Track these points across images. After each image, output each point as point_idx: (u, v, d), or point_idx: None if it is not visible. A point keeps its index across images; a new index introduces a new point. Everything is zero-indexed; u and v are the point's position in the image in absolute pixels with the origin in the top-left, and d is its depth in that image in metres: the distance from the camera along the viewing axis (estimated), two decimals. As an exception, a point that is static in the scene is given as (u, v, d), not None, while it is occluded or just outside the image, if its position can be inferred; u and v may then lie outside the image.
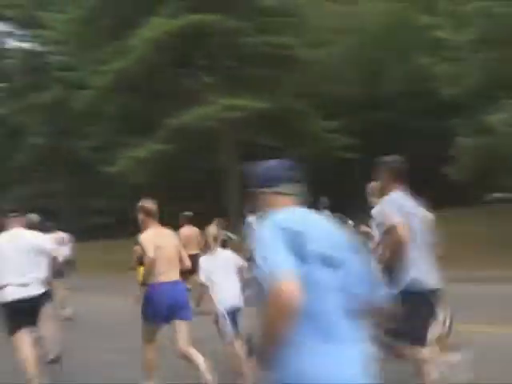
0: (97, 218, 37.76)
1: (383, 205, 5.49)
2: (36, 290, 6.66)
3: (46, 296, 6.90)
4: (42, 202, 41.03)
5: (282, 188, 3.06)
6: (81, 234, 27.00)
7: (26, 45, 42.10)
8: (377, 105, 27.22)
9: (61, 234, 14.21)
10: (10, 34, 43.50)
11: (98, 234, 34.14)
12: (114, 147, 28.74)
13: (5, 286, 6.54)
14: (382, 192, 5.79)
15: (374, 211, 5.74)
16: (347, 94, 26.55)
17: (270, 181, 3.10)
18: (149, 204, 7.08)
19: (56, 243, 8.88)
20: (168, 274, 6.65)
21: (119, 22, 27.92)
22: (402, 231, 5.11)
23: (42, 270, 6.81)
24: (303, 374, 2.54)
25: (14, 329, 6.59)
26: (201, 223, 12.35)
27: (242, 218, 16.48)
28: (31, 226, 7.79)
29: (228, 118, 22.74)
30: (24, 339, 6.56)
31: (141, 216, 7.05)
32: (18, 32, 42.87)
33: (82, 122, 33.79)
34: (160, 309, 6.46)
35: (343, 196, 30.09)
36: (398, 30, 25.32)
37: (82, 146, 33.91)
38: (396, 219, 5.16)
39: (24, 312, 6.53)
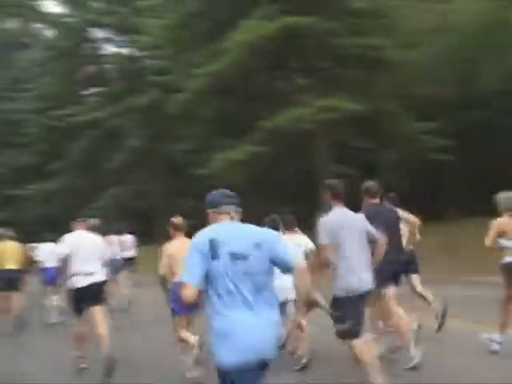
0: (190, 220, 38.52)
1: (319, 224, 6.66)
2: (97, 278, 8.64)
3: (104, 284, 8.96)
4: (137, 203, 42.28)
5: (219, 209, 4.54)
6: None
7: (123, 50, 43.44)
8: (471, 105, 26.74)
9: (113, 237, 16.00)
10: (108, 40, 44.96)
11: (190, 235, 34.87)
12: (208, 149, 29.27)
13: (73, 275, 8.53)
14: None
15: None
16: (440, 95, 26.21)
17: (213, 204, 4.62)
18: (177, 220, 8.54)
19: (108, 244, 10.77)
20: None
21: (214, 25, 28.44)
22: (325, 254, 6.46)
23: (100, 264, 8.90)
24: (219, 332, 4.04)
25: (77, 310, 8.61)
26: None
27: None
28: (92, 229, 9.68)
29: (322, 119, 22.81)
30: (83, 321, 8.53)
31: (171, 230, 8.49)
32: (116, 38, 44.25)
33: (176, 124, 34.58)
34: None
35: (436, 198, 29.86)
36: (494, 29, 24.82)
37: (177, 148, 34.66)
38: (324, 241, 6.48)
39: (88, 295, 8.47)
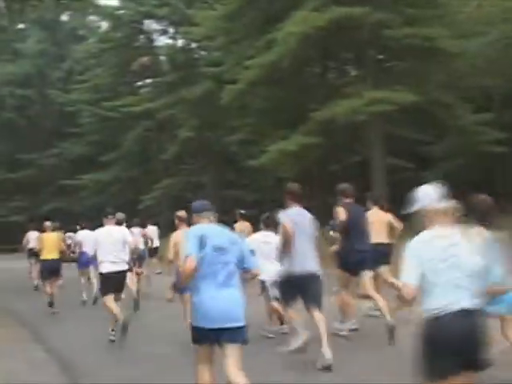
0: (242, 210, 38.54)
1: (280, 216, 8.25)
2: (122, 266, 10.20)
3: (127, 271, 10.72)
4: (189, 193, 42.54)
5: (201, 214, 5.91)
6: (226, 224, 27.76)
7: (176, 42, 43.76)
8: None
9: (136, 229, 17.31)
10: (161, 32, 45.33)
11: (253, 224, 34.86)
12: (261, 141, 29.31)
13: (102, 261, 10.09)
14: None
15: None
16: (496, 86, 25.76)
17: (197, 210, 6.02)
18: (181, 213, 9.79)
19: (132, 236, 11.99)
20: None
21: (266, 16, 28.46)
22: (288, 228, 7.95)
23: (125, 254, 10.37)
24: (197, 303, 5.37)
25: (105, 292, 10.07)
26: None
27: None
28: (119, 223, 11.66)
29: (375, 111, 22.62)
30: (110, 299, 9.96)
31: (176, 221, 9.93)
32: (169, 30, 44.58)
33: (229, 115, 34.68)
34: None
35: (491, 190, 29.35)
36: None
37: (229, 139, 34.78)
38: (286, 221, 8.02)
39: (113, 280, 10.02)
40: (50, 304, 14.19)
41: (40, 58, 56.94)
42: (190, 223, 7.55)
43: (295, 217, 8.09)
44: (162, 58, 46.28)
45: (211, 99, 34.89)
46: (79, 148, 50.87)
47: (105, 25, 51.47)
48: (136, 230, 17.21)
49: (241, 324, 5.39)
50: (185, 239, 5.61)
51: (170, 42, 45.48)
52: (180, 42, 43.53)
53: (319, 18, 23.35)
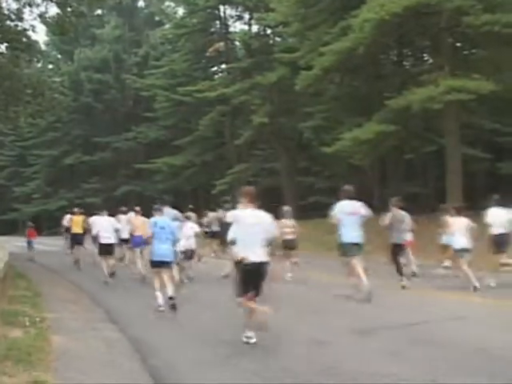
0: (313, 197, 38.54)
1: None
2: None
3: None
4: (262, 179, 42.77)
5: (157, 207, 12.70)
6: (299, 211, 27.82)
7: (251, 28, 43.87)
8: None
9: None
10: (237, 18, 45.50)
11: (313, 213, 34.81)
12: (335, 127, 29.19)
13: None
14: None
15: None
16: None
17: (155, 208, 12.66)
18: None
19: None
20: None
21: (341, 2, 28.28)
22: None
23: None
24: (153, 250, 11.92)
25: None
26: (420, 204, 12.57)
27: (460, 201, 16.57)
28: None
29: (452, 99, 22.20)
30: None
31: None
32: (245, 15, 44.71)
33: (303, 102, 34.64)
34: None
35: None
36: None
37: (303, 126, 34.72)
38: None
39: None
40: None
41: (117, 44, 58.03)
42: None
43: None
44: (237, 43, 46.50)
45: (285, 85, 34.90)
46: (154, 132, 51.67)
47: (181, 11, 52.03)
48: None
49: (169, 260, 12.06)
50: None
51: (244, 27, 45.68)
52: (255, 28, 43.63)
53: (396, 4, 22.95)
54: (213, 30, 45.75)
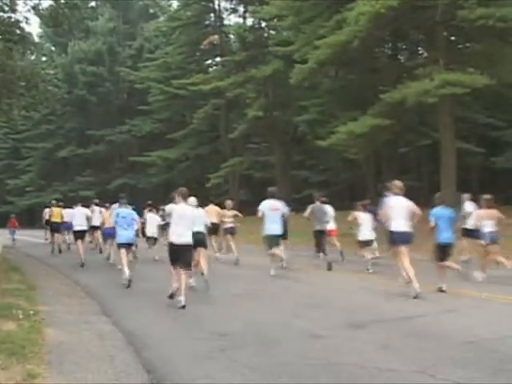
0: (308, 190, 38.54)
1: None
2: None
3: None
4: (256, 173, 42.79)
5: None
6: (293, 204, 27.78)
7: (246, 21, 43.83)
8: None
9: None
10: (232, 11, 45.44)
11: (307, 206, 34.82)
12: (329, 121, 29.19)
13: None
14: None
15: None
16: None
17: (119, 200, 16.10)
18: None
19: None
20: None
21: (336, -4, 28.24)
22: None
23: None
24: (119, 235, 14.75)
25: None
26: (415, 198, 12.63)
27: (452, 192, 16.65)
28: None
29: (446, 94, 22.19)
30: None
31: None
32: (239, 8, 44.66)
33: (298, 95, 34.63)
34: None
35: None
36: None
37: (298, 119, 34.72)
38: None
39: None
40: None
41: (111, 36, 57.93)
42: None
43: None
44: (232, 36, 46.46)
45: (280, 79, 34.90)
46: (148, 125, 51.62)
47: (175, 3, 51.96)
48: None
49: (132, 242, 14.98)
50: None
51: (239, 20, 45.66)
52: (249, 21, 43.60)
53: (391, -4, 22.94)
54: (207, 22, 45.73)
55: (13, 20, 23.50)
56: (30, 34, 25.84)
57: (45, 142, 59.29)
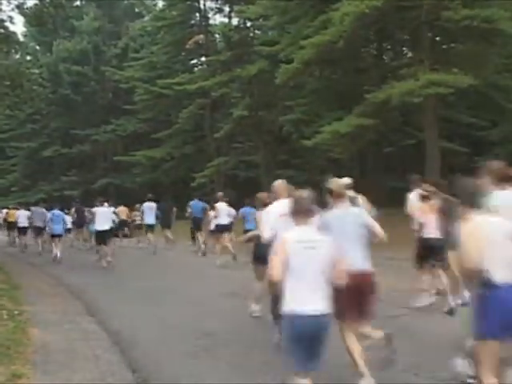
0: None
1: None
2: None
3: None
4: (241, 173, 42.77)
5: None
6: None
7: (231, 20, 43.82)
8: None
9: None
10: (217, 11, 45.43)
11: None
12: (314, 121, 29.25)
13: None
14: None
15: None
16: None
17: None
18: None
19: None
20: None
21: (322, -4, 28.29)
22: None
23: None
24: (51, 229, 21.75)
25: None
26: (400, 198, 12.67)
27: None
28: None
29: (430, 93, 22.29)
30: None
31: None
32: (224, 8, 44.64)
33: (283, 95, 34.67)
34: None
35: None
36: None
37: (283, 119, 34.74)
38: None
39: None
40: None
41: (96, 35, 57.63)
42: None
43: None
44: (217, 36, 46.43)
45: (265, 78, 34.88)
46: (133, 125, 51.42)
47: (161, 2, 51.83)
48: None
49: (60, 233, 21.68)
50: None
51: (224, 20, 45.59)
52: (235, 21, 43.50)
53: (375, -2, 23.03)
54: (192, 22, 45.60)
55: (-3, 19, 23.39)
56: (14, 33, 25.62)
57: (29, 141, 58.90)
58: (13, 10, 23.85)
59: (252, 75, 35.94)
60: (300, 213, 5.32)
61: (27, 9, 24.17)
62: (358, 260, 6.29)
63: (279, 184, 8.37)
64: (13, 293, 12.57)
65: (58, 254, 20.60)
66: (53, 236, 21.41)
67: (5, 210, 32.67)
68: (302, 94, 32.41)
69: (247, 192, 21.75)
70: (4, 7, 23.52)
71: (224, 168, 40.51)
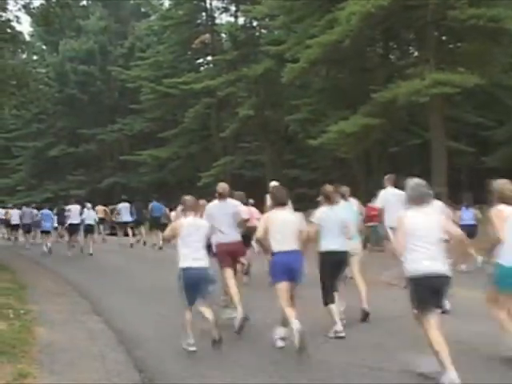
0: (299, 189, 38.53)
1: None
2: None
3: None
4: (247, 172, 42.75)
5: None
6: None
7: (237, 20, 43.81)
8: None
9: None
10: (223, 10, 45.41)
11: (297, 205, 34.87)
12: (321, 120, 29.23)
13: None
14: None
15: None
16: None
17: None
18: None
19: None
20: None
21: (328, -5, 28.27)
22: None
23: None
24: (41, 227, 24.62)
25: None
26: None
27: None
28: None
29: (437, 93, 22.25)
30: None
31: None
32: (231, 7, 44.62)
33: (289, 94, 34.65)
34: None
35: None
36: None
37: (289, 118, 34.70)
38: None
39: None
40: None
41: (102, 35, 57.67)
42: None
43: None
44: (223, 35, 46.42)
45: (272, 78, 34.88)
46: (139, 124, 51.45)
47: (167, 2, 51.82)
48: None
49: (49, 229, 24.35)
50: None
51: (231, 19, 45.58)
52: (241, 20, 43.52)
53: (381, -3, 22.99)
54: (199, 21, 45.61)
55: (3, 19, 23.39)
56: (20, 32, 25.65)
57: (36, 141, 58.95)
58: (19, 9, 23.89)
59: (258, 74, 35.95)
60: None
61: (34, 9, 24.21)
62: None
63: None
64: (19, 292, 12.60)
65: (49, 245, 23.62)
66: (42, 232, 24.66)
67: (4, 210, 34.01)
68: (308, 93, 32.41)
69: (253, 191, 21.74)
70: (11, 7, 23.57)
71: (230, 167, 40.51)
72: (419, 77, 23.13)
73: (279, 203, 8.07)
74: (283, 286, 7.55)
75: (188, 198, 8.54)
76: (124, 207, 26.33)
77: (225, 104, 43.05)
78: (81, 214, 23.02)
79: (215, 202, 9.88)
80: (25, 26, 79.32)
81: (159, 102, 46.65)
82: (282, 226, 7.76)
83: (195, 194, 21.97)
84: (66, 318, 10.20)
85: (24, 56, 49.76)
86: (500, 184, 7.44)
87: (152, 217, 25.04)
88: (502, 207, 7.14)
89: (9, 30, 23.52)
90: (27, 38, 52.43)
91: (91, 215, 23.26)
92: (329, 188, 8.85)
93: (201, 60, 50.01)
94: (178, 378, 6.53)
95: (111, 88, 56.87)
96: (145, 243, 25.41)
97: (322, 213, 8.52)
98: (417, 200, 6.53)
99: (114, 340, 8.55)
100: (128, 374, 6.84)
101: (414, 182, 6.74)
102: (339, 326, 8.07)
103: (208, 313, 7.72)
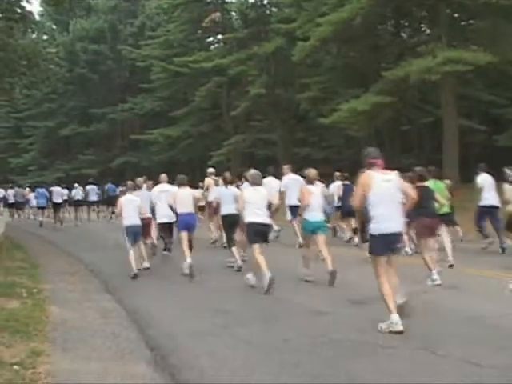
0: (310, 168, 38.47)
1: None
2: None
3: None
4: (258, 151, 42.69)
5: None
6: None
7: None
8: None
9: None
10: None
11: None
12: (332, 99, 29.11)
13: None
14: None
15: None
16: None
17: None
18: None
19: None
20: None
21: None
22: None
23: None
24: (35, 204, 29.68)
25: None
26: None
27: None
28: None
29: (449, 71, 22.10)
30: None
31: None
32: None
33: (300, 73, 34.49)
34: None
35: None
36: None
37: (300, 97, 34.57)
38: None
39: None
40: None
41: (112, 14, 57.57)
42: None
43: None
44: (234, 14, 46.15)
45: (282, 56, 34.77)
46: (150, 103, 51.43)
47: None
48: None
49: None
50: None
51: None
52: (253, -2, 43.23)
53: (394, -26, 22.85)
54: (209, 0, 45.39)
55: (13, -1, 23.39)
56: (30, 12, 25.59)
57: (47, 120, 59.09)
58: (29, -11, 23.83)
59: (269, 53, 35.83)
60: None
61: (43, -12, 24.15)
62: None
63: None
64: (32, 271, 12.68)
65: (42, 219, 27.90)
66: (38, 208, 28.70)
67: (3, 190, 37.05)
68: (318, 71, 32.26)
69: (264, 170, 21.71)
70: (20, -13, 23.53)
71: (241, 146, 40.50)
72: (431, 54, 22.99)
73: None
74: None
75: (129, 182, 13.94)
76: (91, 189, 30.36)
77: (236, 82, 42.92)
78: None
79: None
80: (35, 6, 79.04)
81: (170, 80, 46.60)
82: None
83: (206, 172, 21.72)
84: (79, 296, 10.26)
85: (34, 36, 49.49)
86: None
87: (108, 196, 29.98)
88: None
89: (19, 10, 23.50)
90: (37, 17, 52.40)
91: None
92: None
93: (211, 38, 49.71)
94: (190, 356, 6.56)
95: (121, 67, 56.86)
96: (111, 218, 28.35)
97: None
98: None
99: (127, 319, 8.60)
100: (140, 351, 6.89)
101: None
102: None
103: None
